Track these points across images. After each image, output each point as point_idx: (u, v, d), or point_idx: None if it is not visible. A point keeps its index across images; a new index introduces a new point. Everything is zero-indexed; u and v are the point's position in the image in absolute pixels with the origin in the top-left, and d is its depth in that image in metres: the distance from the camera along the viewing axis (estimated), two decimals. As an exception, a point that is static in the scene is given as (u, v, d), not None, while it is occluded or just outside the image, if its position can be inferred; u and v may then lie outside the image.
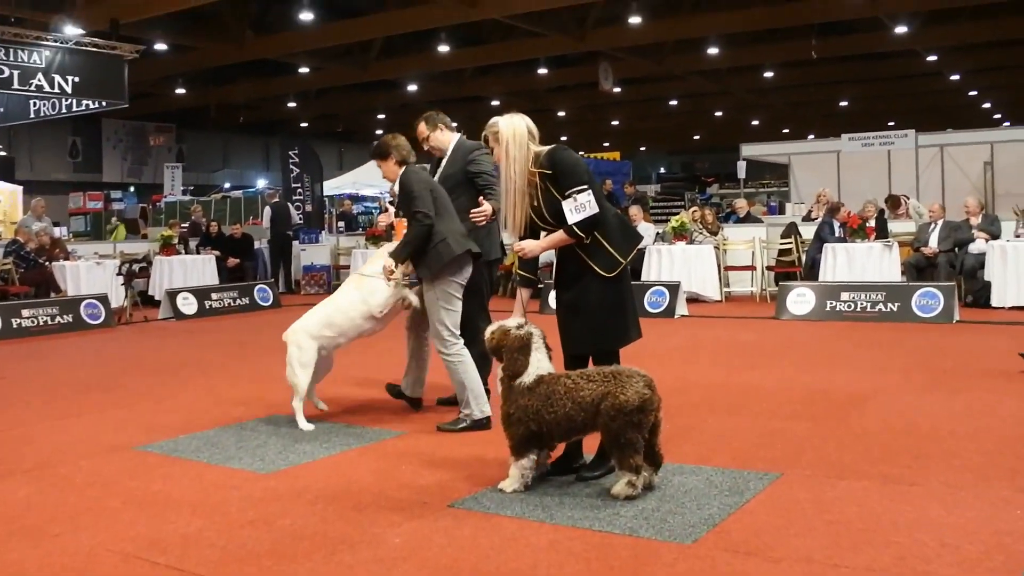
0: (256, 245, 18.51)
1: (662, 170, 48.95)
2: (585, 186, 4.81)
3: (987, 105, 36.16)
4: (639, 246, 5.20)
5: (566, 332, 5.02)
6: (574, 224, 4.81)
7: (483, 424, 6.10)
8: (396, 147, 6.27)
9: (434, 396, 6.95)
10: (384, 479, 5.05)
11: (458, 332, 6.13)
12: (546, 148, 4.97)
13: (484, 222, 6.39)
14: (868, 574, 3.59)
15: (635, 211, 15.35)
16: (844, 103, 34.93)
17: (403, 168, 6.20)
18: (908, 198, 17.00)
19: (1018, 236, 12.29)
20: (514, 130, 4.95)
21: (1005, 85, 30.56)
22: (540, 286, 5.63)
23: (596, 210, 4.81)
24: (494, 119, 5.08)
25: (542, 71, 26.96)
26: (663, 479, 4.77)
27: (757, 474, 4.90)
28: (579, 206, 4.78)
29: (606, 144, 42.07)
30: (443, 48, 23.21)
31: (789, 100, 34.43)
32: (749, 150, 22.79)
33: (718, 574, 3.63)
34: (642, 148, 48.89)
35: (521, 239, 5.01)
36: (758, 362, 8.69)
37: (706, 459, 5.22)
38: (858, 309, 11.31)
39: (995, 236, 12.58)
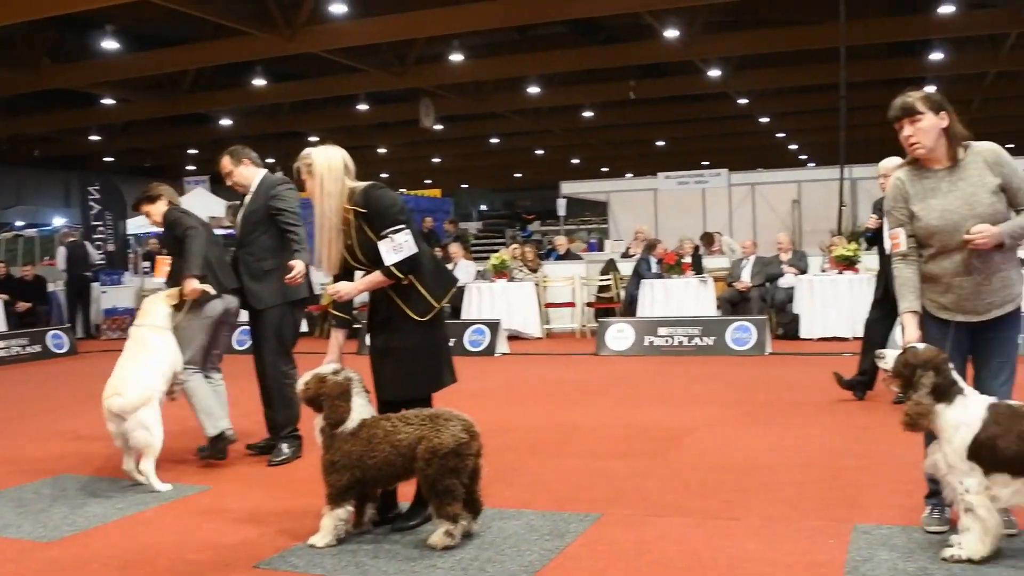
0: (51, 288, 17.34)
1: (484, 208, 49.31)
2: (403, 226, 4.60)
3: (794, 147, 38.08)
4: (455, 287, 5.03)
5: (377, 377, 4.81)
6: (392, 265, 4.59)
7: (219, 441, 6.07)
8: (166, 190, 6.45)
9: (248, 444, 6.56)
10: (183, 540, 4.66)
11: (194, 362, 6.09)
12: (361, 185, 4.72)
13: (300, 282, 6.11)
14: None
15: (455, 249, 15.24)
16: (661, 143, 36.09)
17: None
18: (721, 235, 17.62)
19: (824, 271, 12.85)
20: (329, 163, 4.68)
21: (810, 128, 32.20)
22: (357, 326, 5.39)
23: (415, 250, 4.61)
24: (307, 150, 4.79)
25: (362, 107, 26.65)
26: (482, 525, 4.60)
27: (578, 515, 4.79)
28: (397, 246, 4.57)
29: (428, 181, 42.02)
30: (259, 82, 22.58)
31: (608, 139, 35.26)
32: (569, 188, 23.16)
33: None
34: (464, 185, 49.17)
35: (336, 277, 4.77)
36: (579, 400, 8.65)
37: (527, 503, 5.07)
38: (675, 343, 11.51)
39: (803, 271, 13.12)
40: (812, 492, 5.12)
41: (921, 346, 4.04)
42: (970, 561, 3.87)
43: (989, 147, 4.24)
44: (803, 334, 12.27)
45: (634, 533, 4.50)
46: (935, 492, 4.31)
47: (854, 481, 5.34)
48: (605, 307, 14.31)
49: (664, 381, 9.70)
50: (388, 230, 4.58)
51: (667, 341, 11.53)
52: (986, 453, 3.82)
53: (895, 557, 4.02)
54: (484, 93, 25.83)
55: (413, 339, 4.69)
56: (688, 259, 13.45)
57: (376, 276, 4.65)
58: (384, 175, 41.38)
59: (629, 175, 33.74)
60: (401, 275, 4.62)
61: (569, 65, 22.57)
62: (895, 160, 7.59)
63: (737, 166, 23.36)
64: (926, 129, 4.16)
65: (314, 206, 4.71)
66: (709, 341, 11.34)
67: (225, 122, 28.17)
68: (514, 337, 13.43)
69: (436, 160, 39.14)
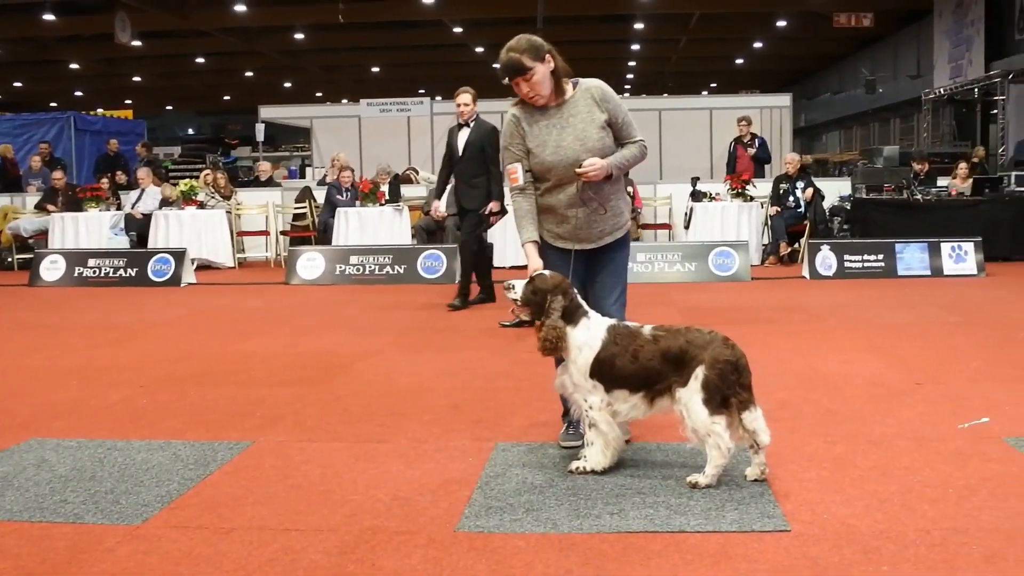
0: None
1: (191, 131, 47.00)
2: None
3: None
4: None
5: None
6: None
7: None
8: None
9: None
10: None
11: None
12: None
13: None
14: (317, 534, 3.58)
15: (143, 174, 14.40)
16: (376, 69, 35.71)
17: None
18: (418, 171, 17.73)
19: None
20: None
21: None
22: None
23: None
24: None
25: (48, 17, 24.52)
26: (128, 458, 4.49)
27: (228, 444, 4.75)
28: None
29: (128, 101, 39.53)
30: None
31: (321, 64, 34.52)
32: (268, 112, 22.36)
33: (161, 553, 3.43)
34: (170, 107, 46.65)
35: None
36: (258, 329, 8.52)
37: (180, 433, 4.98)
38: (366, 272, 11.55)
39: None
40: (465, 414, 5.33)
41: (547, 272, 4.26)
42: (593, 472, 4.17)
43: (596, 84, 4.49)
44: (497, 262, 12.59)
45: (281, 459, 4.51)
46: (569, 410, 4.59)
47: (507, 402, 5.60)
48: (300, 235, 14.08)
49: (350, 309, 9.71)
50: None
51: (358, 270, 11.55)
52: (607, 371, 4.10)
53: (526, 472, 4.26)
54: (188, 9, 24.51)
55: None
56: (384, 188, 13.44)
57: None
58: (78, 93, 38.52)
59: (345, 101, 33.21)
60: None
61: (277, -16, 21.90)
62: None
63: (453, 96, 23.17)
64: (540, 81, 4.35)
65: None
66: (400, 269, 11.47)
67: None
68: (205, 267, 13.01)
69: (136, 79, 36.80)
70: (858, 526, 3.57)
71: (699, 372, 3.97)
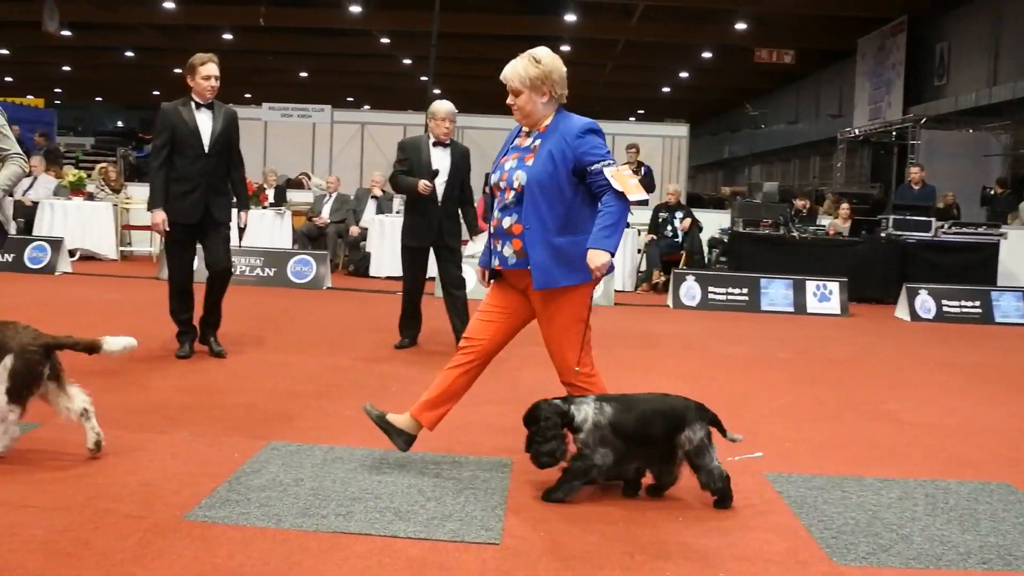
0: None
1: (120, 124, 46.60)
2: None
3: (438, 91, 38.91)
4: None
5: None
6: None
7: None
8: None
9: None
10: None
11: None
12: None
13: None
14: (51, 512, 3.74)
15: (37, 162, 14.43)
16: (304, 74, 35.76)
17: None
18: (310, 176, 17.96)
19: (398, 213, 13.45)
20: None
21: (450, 74, 33.23)
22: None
23: None
24: None
25: (-26, 2, 24.40)
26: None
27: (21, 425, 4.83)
28: None
29: (58, 90, 39.13)
30: None
31: (248, 65, 34.49)
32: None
33: None
34: (99, 99, 46.14)
35: None
36: (93, 321, 8.47)
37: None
38: (236, 272, 11.53)
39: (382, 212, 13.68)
40: (256, 413, 5.47)
41: None
42: None
43: None
44: (372, 272, 12.84)
45: (57, 444, 4.62)
46: None
47: (301, 405, 5.73)
48: (187, 233, 14.12)
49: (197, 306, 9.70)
50: None
51: (232, 271, 11.51)
52: None
53: (281, 470, 4.43)
54: (116, 3, 24.54)
55: None
56: (270, 191, 13.61)
57: None
58: (8, 79, 38.04)
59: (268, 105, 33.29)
60: None
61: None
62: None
63: (383, 106, 23.45)
64: None
65: None
66: (271, 272, 11.60)
67: None
68: (89, 257, 13.07)
69: (66, 68, 36.47)
70: (569, 544, 3.73)
71: (8, 361, 4.27)
